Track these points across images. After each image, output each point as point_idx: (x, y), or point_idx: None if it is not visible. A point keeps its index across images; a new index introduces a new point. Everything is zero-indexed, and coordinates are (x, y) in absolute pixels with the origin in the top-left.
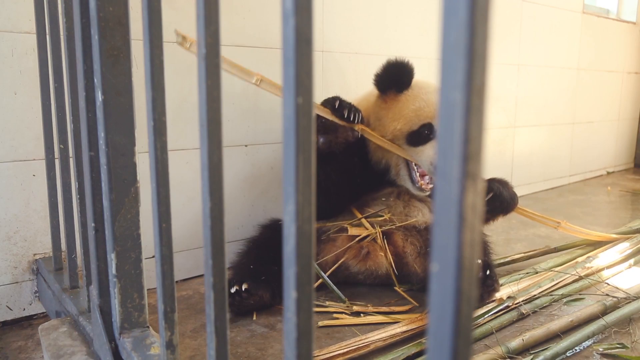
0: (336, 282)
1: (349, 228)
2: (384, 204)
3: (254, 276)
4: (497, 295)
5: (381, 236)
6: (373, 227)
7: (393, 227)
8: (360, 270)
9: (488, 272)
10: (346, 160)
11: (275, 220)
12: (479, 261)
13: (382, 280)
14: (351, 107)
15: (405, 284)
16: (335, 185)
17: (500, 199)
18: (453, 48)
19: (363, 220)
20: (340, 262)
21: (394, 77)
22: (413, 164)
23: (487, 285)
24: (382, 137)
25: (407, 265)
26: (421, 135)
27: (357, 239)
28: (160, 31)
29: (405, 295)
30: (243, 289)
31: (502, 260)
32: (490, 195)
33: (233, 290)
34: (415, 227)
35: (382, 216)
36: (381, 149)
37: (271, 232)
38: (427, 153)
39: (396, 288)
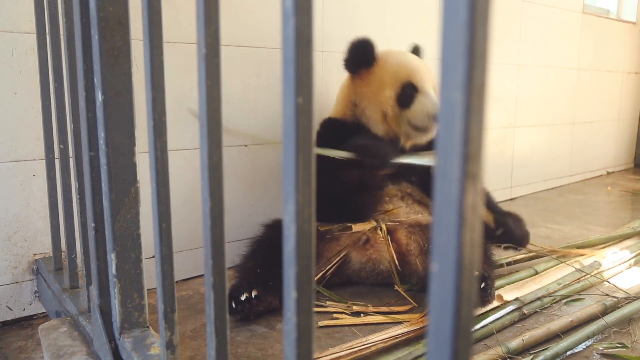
0: (339, 282)
1: (352, 226)
2: (389, 203)
3: (262, 281)
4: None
5: (385, 230)
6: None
7: (397, 222)
8: (361, 264)
9: (483, 285)
10: (377, 183)
11: (277, 220)
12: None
13: (384, 277)
14: (388, 153)
15: (406, 283)
16: (362, 205)
17: (511, 237)
18: (453, 48)
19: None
20: (342, 255)
21: (361, 55)
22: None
23: (481, 297)
24: (376, 111)
25: (410, 263)
26: (407, 95)
27: (360, 233)
28: (160, 31)
29: (406, 296)
30: (253, 296)
31: (502, 261)
32: (502, 231)
33: (243, 298)
34: (419, 224)
35: (389, 211)
36: (384, 126)
37: (274, 232)
38: (420, 108)
39: (397, 287)
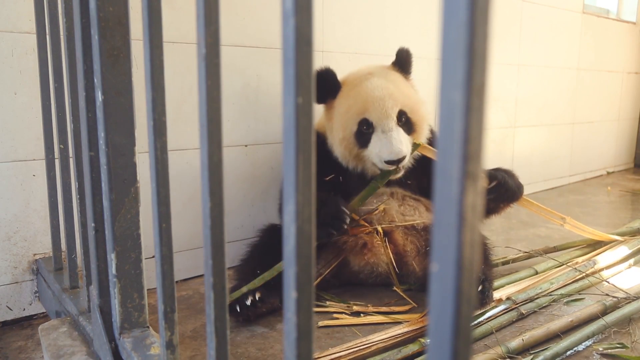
0: (338, 284)
1: (349, 230)
2: (379, 201)
3: (263, 283)
4: (497, 295)
5: (382, 232)
6: (372, 225)
7: (393, 225)
8: (360, 267)
9: (481, 288)
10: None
11: (273, 225)
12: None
13: (382, 279)
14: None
15: (405, 283)
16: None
17: (505, 187)
18: (453, 48)
19: (361, 221)
20: (340, 259)
21: (322, 87)
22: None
23: (479, 299)
24: (342, 147)
25: (407, 264)
26: (363, 134)
27: (358, 235)
28: (160, 31)
29: (404, 296)
30: (257, 299)
31: (502, 261)
32: (495, 183)
33: (249, 302)
34: (414, 226)
35: (376, 209)
36: (352, 162)
37: (271, 235)
38: (374, 151)
39: (395, 288)
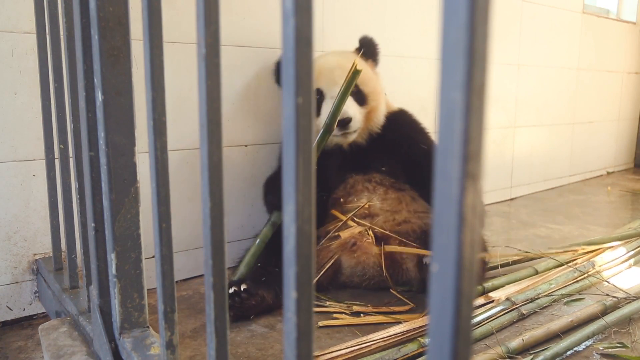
0: (336, 287)
1: (340, 234)
2: (365, 197)
3: (253, 277)
4: (497, 295)
5: (372, 236)
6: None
7: (386, 232)
8: (351, 268)
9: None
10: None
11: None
12: None
13: (376, 282)
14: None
15: (402, 285)
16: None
17: None
18: (453, 48)
19: (349, 222)
20: (333, 259)
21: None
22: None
23: None
24: None
25: (408, 270)
26: (316, 102)
27: (351, 239)
28: (160, 31)
29: (402, 297)
30: (242, 289)
31: (502, 261)
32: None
33: (231, 291)
34: (408, 232)
35: (361, 206)
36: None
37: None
38: (323, 118)
39: (392, 290)
